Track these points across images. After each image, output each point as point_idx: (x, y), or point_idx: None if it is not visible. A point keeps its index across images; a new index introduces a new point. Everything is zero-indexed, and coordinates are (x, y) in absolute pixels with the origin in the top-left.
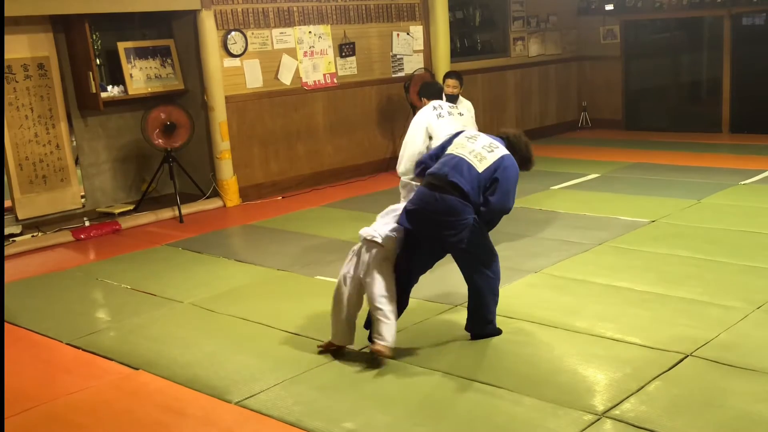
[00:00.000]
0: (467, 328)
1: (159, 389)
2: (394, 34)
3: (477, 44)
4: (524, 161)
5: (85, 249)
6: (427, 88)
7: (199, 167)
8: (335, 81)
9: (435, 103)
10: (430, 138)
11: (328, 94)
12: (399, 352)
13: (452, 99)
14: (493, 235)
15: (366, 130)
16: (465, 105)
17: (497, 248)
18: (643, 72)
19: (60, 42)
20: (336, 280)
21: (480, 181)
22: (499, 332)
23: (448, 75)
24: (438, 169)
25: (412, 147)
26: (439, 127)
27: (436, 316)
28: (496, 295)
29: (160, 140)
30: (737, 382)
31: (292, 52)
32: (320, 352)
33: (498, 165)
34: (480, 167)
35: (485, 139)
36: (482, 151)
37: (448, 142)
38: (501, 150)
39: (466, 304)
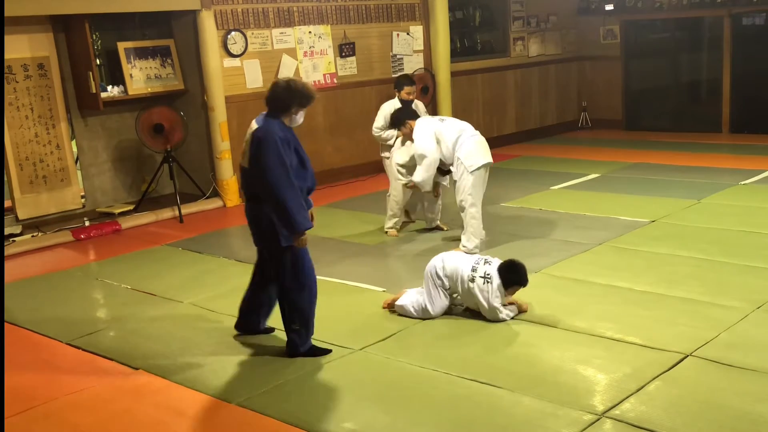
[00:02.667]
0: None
1: (159, 389)
2: (394, 34)
3: (477, 44)
4: (302, 100)
5: (85, 249)
6: (409, 112)
7: (199, 167)
8: (335, 81)
9: (425, 117)
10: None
11: (328, 94)
12: (399, 353)
13: (410, 104)
14: (493, 234)
15: (366, 130)
16: (420, 107)
17: (499, 247)
18: (643, 72)
19: (60, 42)
20: (335, 280)
21: (253, 174)
22: (309, 353)
23: (410, 83)
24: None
25: (431, 156)
26: (445, 129)
27: (435, 315)
28: (293, 317)
29: (151, 142)
30: (737, 382)
31: (292, 52)
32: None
33: (252, 145)
34: (246, 162)
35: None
36: (245, 147)
37: None
38: (254, 128)
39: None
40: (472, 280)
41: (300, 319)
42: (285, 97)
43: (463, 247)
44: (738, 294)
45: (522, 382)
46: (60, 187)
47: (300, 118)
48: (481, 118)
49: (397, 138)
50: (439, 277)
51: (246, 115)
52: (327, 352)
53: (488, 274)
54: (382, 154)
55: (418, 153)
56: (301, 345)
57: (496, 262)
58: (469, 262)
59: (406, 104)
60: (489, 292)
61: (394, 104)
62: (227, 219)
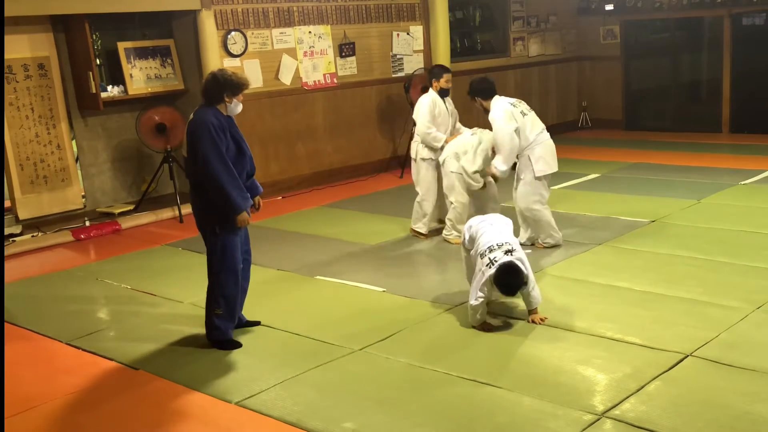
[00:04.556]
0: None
1: (159, 389)
2: (394, 34)
3: (477, 44)
4: (232, 89)
5: (85, 249)
6: (487, 87)
7: None
8: (335, 81)
9: (507, 100)
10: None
11: (328, 94)
12: (399, 353)
13: (447, 93)
14: None
15: (366, 130)
16: (449, 100)
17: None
18: (643, 72)
19: (60, 42)
20: (335, 280)
21: (192, 163)
22: (228, 346)
23: (447, 70)
24: None
25: (512, 143)
26: (529, 124)
27: (436, 316)
28: (218, 301)
29: (152, 141)
30: (737, 382)
31: (292, 52)
32: None
33: (187, 135)
34: (186, 152)
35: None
36: (185, 137)
37: None
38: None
39: (466, 303)
40: (482, 255)
41: (225, 304)
42: (214, 88)
43: (549, 242)
44: (738, 294)
45: (522, 382)
46: (61, 187)
47: (236, 106)
48: (482, 117)
49: (446, 142)
50: (467, 244)
51: (245, 115)
52: (239, 345)
53: (495, 261)
54: (420, 157)
55: (500, 138)
56: (225, 332)
57: (515, 255)
58: (493, 239)
59: (446, 93)
60: (483, 275)
61: (432, 97)
62: None
